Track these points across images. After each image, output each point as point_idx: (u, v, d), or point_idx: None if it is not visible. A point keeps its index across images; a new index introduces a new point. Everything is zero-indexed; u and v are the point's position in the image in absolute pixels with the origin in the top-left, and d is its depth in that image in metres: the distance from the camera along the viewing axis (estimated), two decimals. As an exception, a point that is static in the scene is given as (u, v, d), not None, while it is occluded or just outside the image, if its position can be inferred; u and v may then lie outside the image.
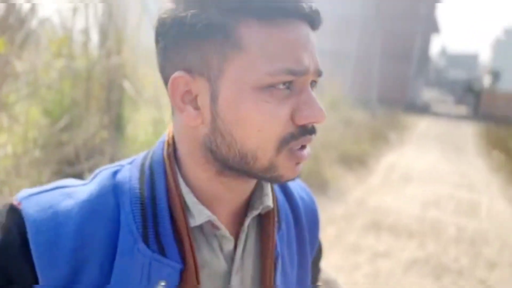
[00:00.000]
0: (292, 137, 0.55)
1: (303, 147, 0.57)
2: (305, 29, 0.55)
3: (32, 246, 0.54)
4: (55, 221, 0.55)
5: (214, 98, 0.55)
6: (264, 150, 0.55)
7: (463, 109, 27.19)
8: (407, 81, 21.96)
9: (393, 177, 6.96)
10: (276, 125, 0.54)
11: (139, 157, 0.64)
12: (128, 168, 0.62)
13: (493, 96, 22.64)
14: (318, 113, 0.55)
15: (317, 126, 0.58)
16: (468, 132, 14.55)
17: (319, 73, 0.57)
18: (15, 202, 0.56)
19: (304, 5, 0.54)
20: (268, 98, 0.53)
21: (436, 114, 21.25)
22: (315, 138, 0.58)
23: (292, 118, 0.55)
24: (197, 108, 0.56)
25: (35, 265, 0.53)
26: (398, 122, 14.21)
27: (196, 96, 0.56)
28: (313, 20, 0.56)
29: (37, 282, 0.54)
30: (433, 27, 26.07)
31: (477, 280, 3.65)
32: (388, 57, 20.51)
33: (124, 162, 0.64)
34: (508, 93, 21.95)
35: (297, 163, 0.57)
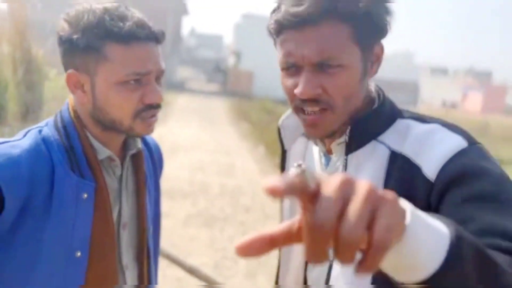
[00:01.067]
0: (142, 111, 0.91)
1: (153, 115, 0.94)
2: (151, 45, 0.90)
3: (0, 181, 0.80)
4: (12, 162, 0.83)
5: (93, 88, 0.91)
6: (124, 119, 0.91)
7: (214, 86, 30.00)
8: (163, 60, 22.88)
9: (163, 148, 7.56)
10: (130, 104, 0.90)
11: (49, 121, 0.95)
12: (47, 128, 0.92)
13: (237, 74, 25.69)
14: (157, 97, 0.91)
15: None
16: (220, 107, 16.43)
17: (161, 72, 0.93)
18: None
19: (148, 31, 0.89)
20: (124, 89, 0.89)
21: (191, 91, 22.99)
22: None
23: (141, 99, 0.90)
24: (84, 91, 0.91)
25: (3, 193, 0.80)
26: (159, 99, 14.91)
27: (82, 85, 0.91)
28: (158, 38, 0.92)
29: (3, 207, 0.81)
30: (183, 9, 27.68)
31: (238, 223, 4.57)
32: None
33: (41, 124, 0.94)
34: (248, 71, 25.20)
35: (149, 125, 0.94)
